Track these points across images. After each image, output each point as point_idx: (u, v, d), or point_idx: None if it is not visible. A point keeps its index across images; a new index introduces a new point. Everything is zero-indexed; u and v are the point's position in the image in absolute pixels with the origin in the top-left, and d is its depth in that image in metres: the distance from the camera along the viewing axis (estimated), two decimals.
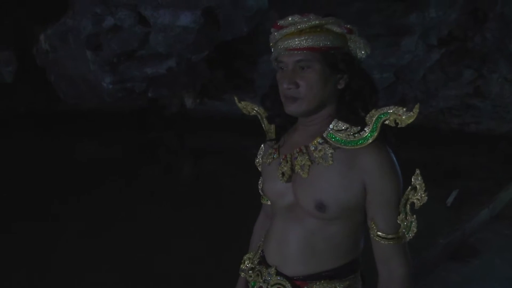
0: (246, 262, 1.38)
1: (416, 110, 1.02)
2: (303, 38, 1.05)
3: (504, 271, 3.03)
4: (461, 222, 3.69)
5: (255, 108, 1.31)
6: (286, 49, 1.08)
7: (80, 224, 3.84)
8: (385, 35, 7.15)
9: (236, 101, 1.34)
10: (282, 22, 1.09)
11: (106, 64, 6.57)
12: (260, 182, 1.36)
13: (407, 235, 1.09)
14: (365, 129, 1.07)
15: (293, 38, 1.06)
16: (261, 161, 1.32)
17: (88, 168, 5.70)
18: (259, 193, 1.39)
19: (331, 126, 1.11)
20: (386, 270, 1.11)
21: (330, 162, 1.08)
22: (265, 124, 1.30)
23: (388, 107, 1.05)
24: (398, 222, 1.08)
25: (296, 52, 1.07)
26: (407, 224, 1.08)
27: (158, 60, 6.68)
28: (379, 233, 1.09)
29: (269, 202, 1.32)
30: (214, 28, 6.33)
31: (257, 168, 1.36)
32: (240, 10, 6.31)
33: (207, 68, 7.96)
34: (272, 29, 1.13)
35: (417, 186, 1.05)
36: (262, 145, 1.36)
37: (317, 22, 1.06)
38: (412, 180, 1.06)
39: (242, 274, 1.40)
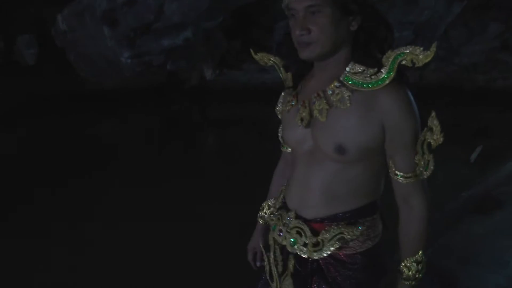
0: (265, 209, 1.43)
1: (433, 48, 1.01)
2: None
3: None
4: (484, 176, 3.64)
5: (271, 58, 1.31)
6: None
7: (110, 198, 3.99)
8: None
9: (252, 53, 1.35)
10: None
11: (123, 39, 6.62)
12: (280, 129, 1.37)
13: (425, 173, 1.11)
14: (382, 70, 1.06)
15: None
16: (281, 109, 1.34)
17: (112, 145, 5.84)
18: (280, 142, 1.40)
19: (347, 69, 1.11)
20: (406, 207, 1.15)
21: (348, 104, 1.08)
22: (282, 73, 1.30)
23: (404, 47, 1.05)
24: (416, 161, 1.10)
25: None
26: (424, 163, 1.09)
27: (174, 32, 6.68)
28: (397, 172, 1.12)
29: (289, 150, 1.35)
30: None
31: (278, 116, 1.38)
32: None
33: (224, 38, 7.91)
34: None
35: (433, 128, 1.06)
36: (282, 93, 1.37)
37: None
38: (429, 122, 1.07)
39: (261, 221, 1.45)
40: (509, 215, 3.22)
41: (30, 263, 3.00)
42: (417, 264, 1.16)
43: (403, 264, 1.18)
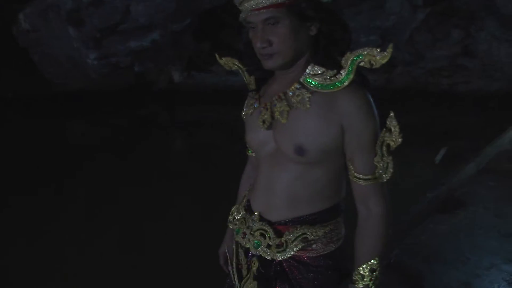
0: (234, 214, 1.41)
1: (389, 49, 1.01)
2: None
3: (488, 220, 3.10)
4: (448, 177, 3.74)
5: (236, 63, 1.31)
6: (252, 10, 1.08)
7: (74, 204, 3.87)
8: None
9: (217, 57, 1.35)
10: None
11: (89, 40, 6.47)
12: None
13: (384, 176, 1.11)
14: (341, 72, 1.07)
15: None
16: (245, 112, 1.33)
17: (79, 148, 5.70)
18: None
19: (307, 70, 1.11)
20: (364, 209, 1.13)
21: (308, 106, 1.09)
22: (246, 77, 1.31)
23: (362, 49, 1.05)
24: (375, 163, 1.09)
25: (261, 11, 1.06)
26: (383, 165, 1.09)
27: (141, 33, 6.58)
28: (356, 174, 1.11)
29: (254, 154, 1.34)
30: None
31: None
32: None
33: (193, 41, 7.86)
34: None
35: (392, 128, 1.06)
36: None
37: None
38: (387, 122, 1.07)
39: (230, 225, 1.43)
40: (471, 214, 3.34)
41: None
42: (372, 272, 1.14)
43: (356, 272, 1.15)
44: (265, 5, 1.05)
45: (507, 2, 7.25)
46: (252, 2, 1.07)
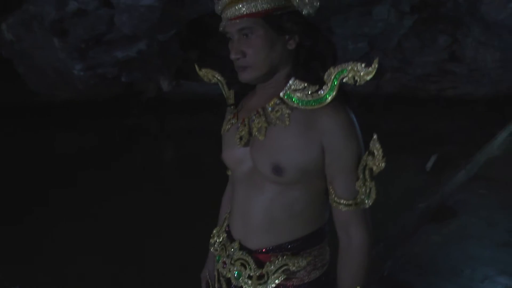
0: (215, 237, 1.34)
1: (375, 65, 0.97)
2: (240, 5, 1.01)
3: (481, 229, 3.08)
4: (439, 186, 3.73)
5: (216, 75, 1.27)
6: (228, 19, 1.05)
7: (63, 215, 3.78)
8: (358, 4, 7.06)
9: (197, 69, 1.31)
10: None
11: (74, 51, 6.36)
12: None
13: (366, 202, 1.04)
14: (323, 88, 1.01)
15: (232, 6, 1.03)
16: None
17: (67, 159, 5.60)
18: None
19: (288, 85, 1.06)
20: (345, 237, 1.08)
21: (287, 123, 1.03)
22: (225, 90, 1.26)
23: (346, 63, 1.00)
24: (357, 187, 1.03)
25: (237, 21, 1.03)
26: (366, 190, 1.03)
27: (127, 43, 6.50)
28: (337, 198, 1.05)
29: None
30: (178, 5, 6.16)
31: None
32: None
33: (180, 49, 7.81)
34: (214, 0, 1.09)
35: (375, 152, 1.00)
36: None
37: None
38: (370, 145, 1.01)
39: (212, 249, 1.37)
40: (464, 223, 3.32)
41: None
42: None
43: None
44: (240, 14, 1.01)
45: (491, 9, 7.33)
46: (229, 11, 1.03)
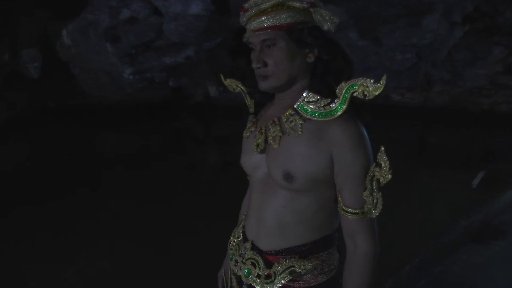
0: (232, 237, 1.42)
1: (383, 81, 1.01)
2: (265, 18, 1.08)
3: None
4: (484, 204, 3.56)
5: (239, 85, 1.34)
6: (252, 31, 1.12)
7: (107, 214, 3.93)
8: (406, 14, 6.90)
9: (222, 78, 1.38)
10: (247, 4, 1.13)
11: (125, 56, 6.68)
12: None
13: (373, 211, 1.08)
14: (335, 101, 1.07)
15: (256, 19, 1.10)
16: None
17: (114, 160, 5.82)
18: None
19: (302, 97, 1.12)
20: (351, 245, 1.12)
21: (300, 132, 1.10)
22: (247, 99, 1.33)
23: (357, 79, 1.06)
24: (364, 197, 1.08)
25: (260, 32, 1.10)
26: (372, 200, 1.07)
27: (176, 50, 6.73)
28: (344, 207, 1.10)
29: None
30: (225, 14, 6.31)
31: None
32: None
33: (228, 56, 7.95)
34: (240, 12, 1.16)
35: (382, 163, 1.04)
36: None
37: (277, 0, 1.08)
38: (378, 157, 1.06)
39: (229, 248, 1.43)
40: (509, 245, 3.15)
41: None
42: None
43: None
44: (264, 26, 1.08)
45: None
46: (254, 23, 1.10)
